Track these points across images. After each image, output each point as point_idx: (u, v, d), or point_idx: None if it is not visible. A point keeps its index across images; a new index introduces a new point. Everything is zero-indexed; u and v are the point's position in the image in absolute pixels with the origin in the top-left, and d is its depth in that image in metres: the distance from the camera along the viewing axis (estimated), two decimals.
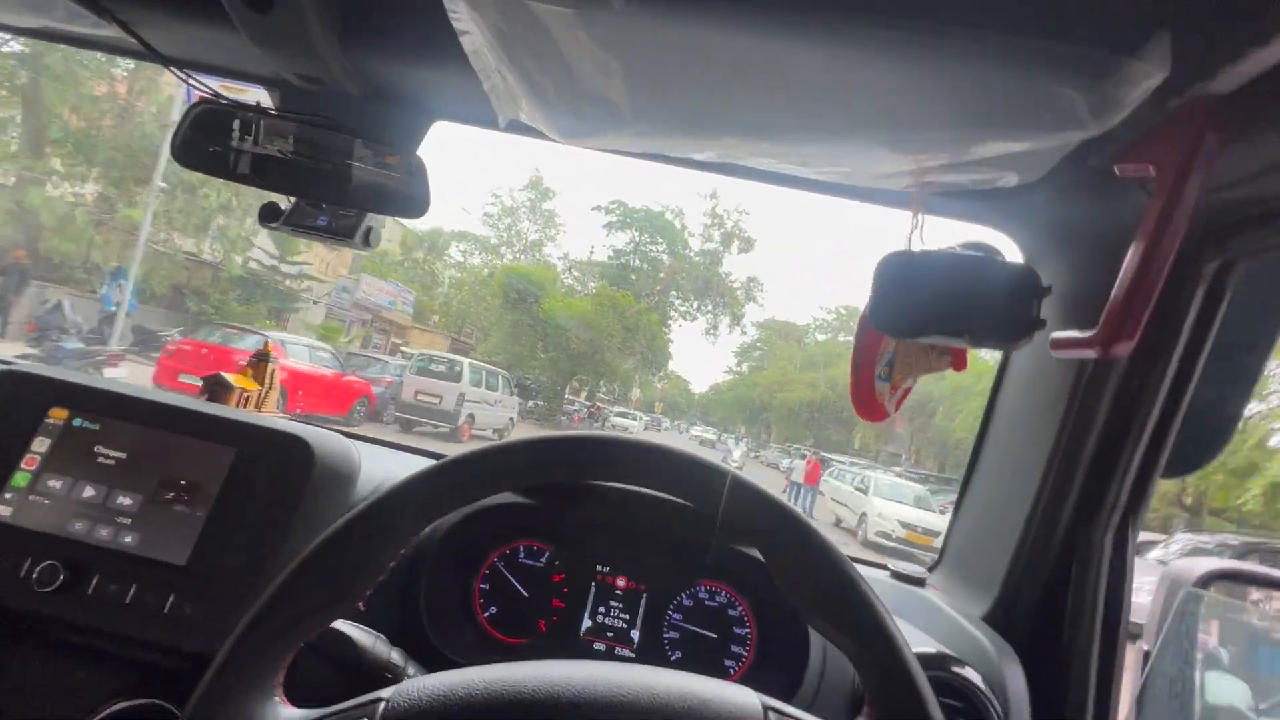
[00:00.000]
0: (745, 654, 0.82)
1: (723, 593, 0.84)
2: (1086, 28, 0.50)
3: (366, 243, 0.93)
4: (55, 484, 0.74)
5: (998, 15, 0.50)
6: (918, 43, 0.52)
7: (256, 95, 0.88)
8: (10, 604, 0.70)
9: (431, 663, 0.61)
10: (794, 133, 0.64)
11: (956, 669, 0.70)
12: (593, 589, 0.84)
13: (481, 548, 0.84)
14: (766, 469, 24.13)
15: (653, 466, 0.47)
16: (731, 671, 0.81)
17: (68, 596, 0.69)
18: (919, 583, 0.92)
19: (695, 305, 26.31)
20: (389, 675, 0.59)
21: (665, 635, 0.82)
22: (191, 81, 0.85)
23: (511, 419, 14.18)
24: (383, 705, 0.39)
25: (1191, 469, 0.79)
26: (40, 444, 0.76)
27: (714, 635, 0.82)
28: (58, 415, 0.77)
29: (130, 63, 10.06)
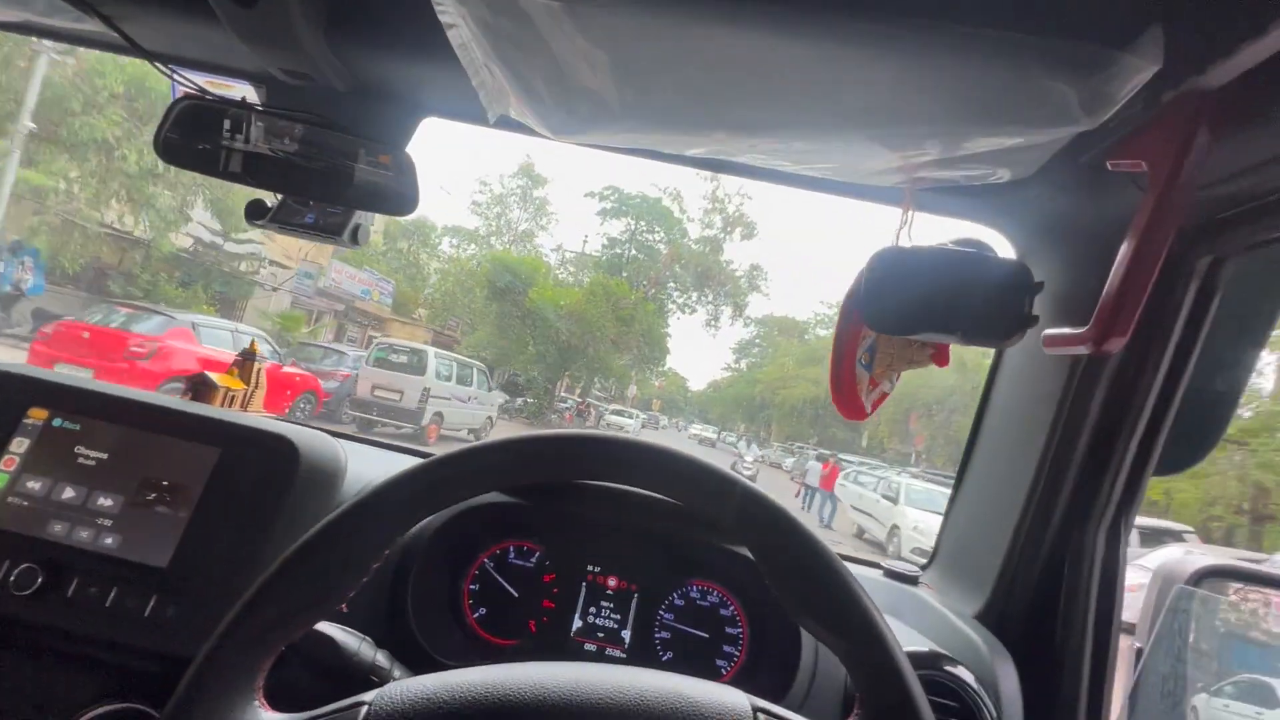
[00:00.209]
0: (737, 654, 0.81)
1: (715, 592, 0.83)
2: (1079, 22, 0.50)
3: (355, 240, 0.92)
4: (34, 485, 0.73)
5: (989, 10, 0.50)
6: (909, 38, 0.51)
7: (242, 91, 0.87)
8: None
9: (419, 665, 0.60)
10: (785, 129, 0.64)
11: (949, 668, 0.70)
12: (583, 589, 0.83)
13: (470, 548, 0.83)
14: (770, 469, 23.71)
15: (642, 465, 0.46)
16: (723, 672, 0.80)
17: (46, 600, 0.68)
18: (912, 581, 0.92)
19: (695, 297, 24.81)
20: (374, 678, 0.58)
21: (657, 635, 0.82)
22: (176, 77, 0.83)
23: (490, 418, 12.68)
24: (365, 709, 0.39)
25: (1183, 467, 0.79)
26: (19, 445, 0.74)
27: (706, 635, 0.81)
28: (37, 415, 0.76)
29: None
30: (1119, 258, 0.56)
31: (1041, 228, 0.82)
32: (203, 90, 0.82)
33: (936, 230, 0.80)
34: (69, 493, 0.73)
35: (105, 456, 0.75)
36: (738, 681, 0.78)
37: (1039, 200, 0.77)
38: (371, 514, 0.43)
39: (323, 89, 0.80)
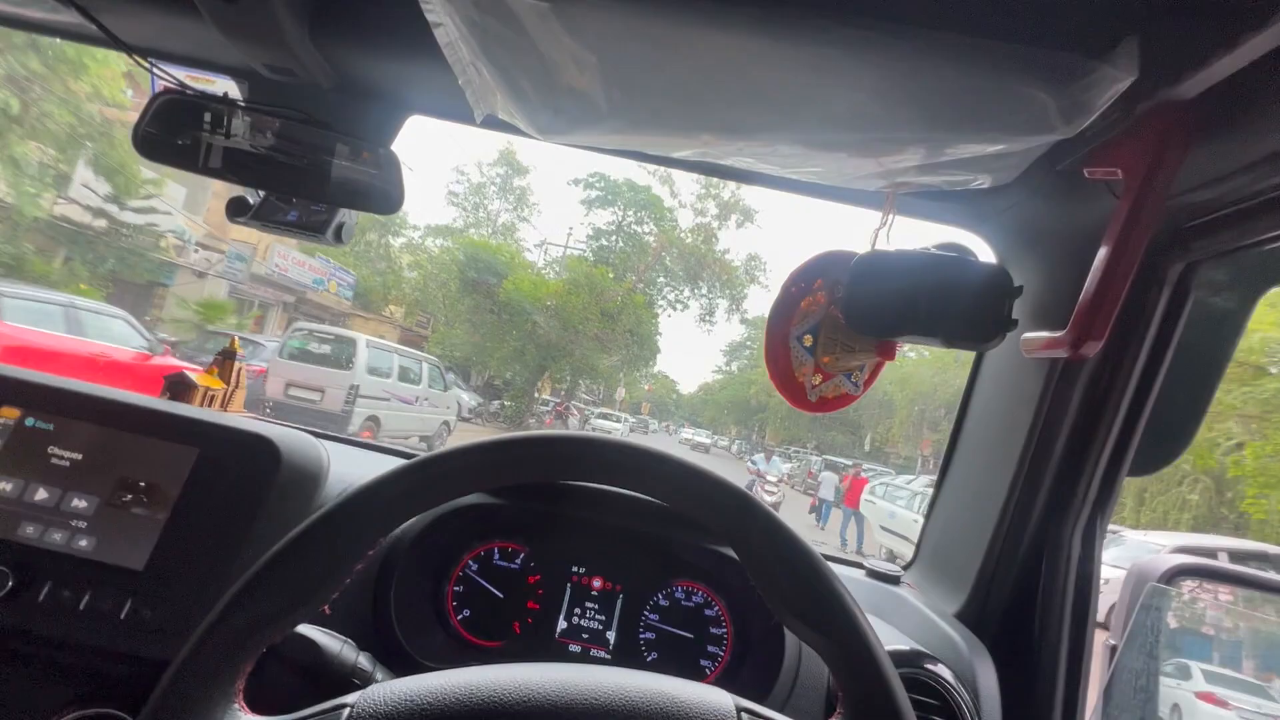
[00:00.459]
0: (721, 654, 0.81)
1: (699, 592, 0.83)
2: (1057, 32, 0.51)
3: (339, 238, 0.91)
4: (5, 486, 0.71)
5: (969, 19, 0.51)
6: (891, 46, 0.52)
7: (224, 86, 0.86)
8: None
9: (403, 668, 0.59)
10: (769, 132, 0.64)
11: (929, 666, 0.71)
12: (568, 590, 0.83)
13: (454, 549, 0.83)
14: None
15: (625, 467, 0.46)
16: (708, 672, 0.80)
17: (16, 603, 0.66)
18: (894, 581, 0.93)
19: (687, 293, 22.32)
20: (357, 681, 0.58)
21: (641, 636, 0.82)
22: (156, 71, 0.82)
23: (447, 423, 10.75)
24: (347, 711, 0.38)
25: (1156, 468, 0.81)
26: None
27: (690, 635, 0.82)
28: (8, 414, 0.74)
29: None
30: (1095, 263, 0.58)
31: (1020, 233, 0.83)
32: (183, 85, 0.80)
33: (918, 235, 0.81)
34: (42, 494, 0.71)
35: (80, 457, 0.73)
36: (722, 681, 0.79)
37: (1018, 206, 0.78)
38: (354, 515, 0.43)
39: (306, 85, 0.79)
